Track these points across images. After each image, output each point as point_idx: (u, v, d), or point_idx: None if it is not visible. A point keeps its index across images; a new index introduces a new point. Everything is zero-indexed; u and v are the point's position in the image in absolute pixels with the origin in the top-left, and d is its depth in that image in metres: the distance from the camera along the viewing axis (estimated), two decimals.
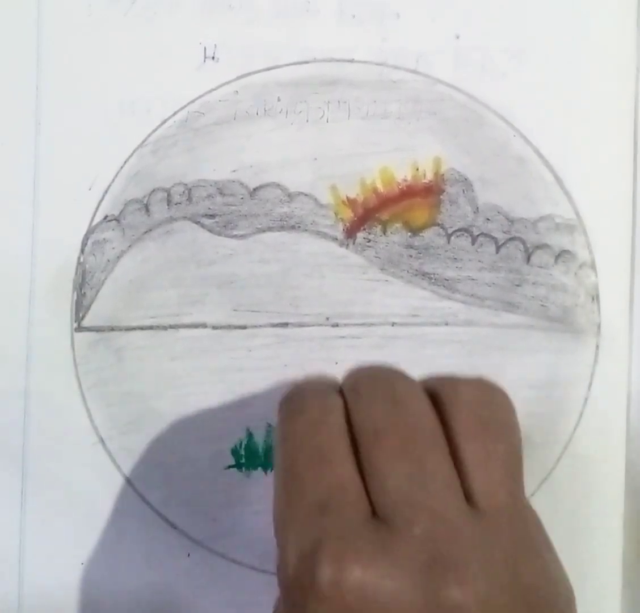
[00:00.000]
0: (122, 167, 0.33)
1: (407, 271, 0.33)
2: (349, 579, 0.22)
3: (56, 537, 0.33)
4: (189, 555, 0.33)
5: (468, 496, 0.23)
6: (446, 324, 0.33)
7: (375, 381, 0.26)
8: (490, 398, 0.25)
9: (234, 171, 0.33)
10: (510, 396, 0.26)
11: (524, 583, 0.22)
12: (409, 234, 0.33)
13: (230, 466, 0.33)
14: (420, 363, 0.33)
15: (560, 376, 0.33)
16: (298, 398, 0.26)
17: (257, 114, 0.33)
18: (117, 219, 0.33)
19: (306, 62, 0.33)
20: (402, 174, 0.33)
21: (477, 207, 0.33)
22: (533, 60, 0.34)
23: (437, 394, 0.25)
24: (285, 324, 0.33)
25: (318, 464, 0.24)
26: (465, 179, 0.33)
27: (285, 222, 0.33)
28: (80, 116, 0.33)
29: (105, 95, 0.33)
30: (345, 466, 0.24)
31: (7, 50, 0.33)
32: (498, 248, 0.33)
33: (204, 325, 0.33)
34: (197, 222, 0.33)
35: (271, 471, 0.33)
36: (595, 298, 0.34)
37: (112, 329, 0.33)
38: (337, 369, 0.28)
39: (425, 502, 0.23)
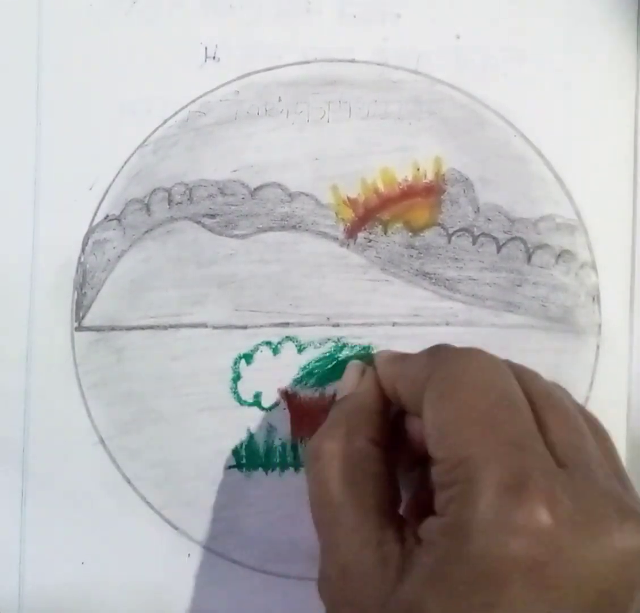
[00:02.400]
0: (122, 167, 0.33)
1: (408, 271, 0.33)
2: (556, 517, 0.22)
3: (56, 536, 0.33)
4: (189, 555, 0.33)
5: None
6: (447, 324, 0.33)
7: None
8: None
9: (235, 170, 0.33)
10: None
11: None
12: (410, 234, 0.33)
13: (230, 467, 0.33)
14: None
15: (560, 376, 0.33)
16: (465, 350, 0.27)
17: (258, 114, 0.33)
18: (117, 219, 0.33)
19: (307, 62, 0.33)
20: (403, 174, 0.33)
21: (478, 207, 0.33)
22: (533, 60, 0.34)
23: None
24: (285, 324, 0.33)
25: (510, 407, 0.24)
26: (466, 179, 0.34)
27: (286, 222, 0.33)
28: (81, 116, 0.33)
29: (106, 95, 0.33)
30: (530, 414, 0.24)
31: (8, 50, 0.33)
32: (499, 248, 0.33)
33: (204, 325, 0.33)
34: (198, 222, 0.33)
35: (271, 471, 0.33)
36: (595, 298, 0.34)
37: (112, 329, 0.33)
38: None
39: (597, 459, 0.24)
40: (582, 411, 0.27)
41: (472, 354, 0.26)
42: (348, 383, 0.30)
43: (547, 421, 0.25)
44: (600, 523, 0.22)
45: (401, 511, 0.28)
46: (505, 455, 0.23)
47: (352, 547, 0.25)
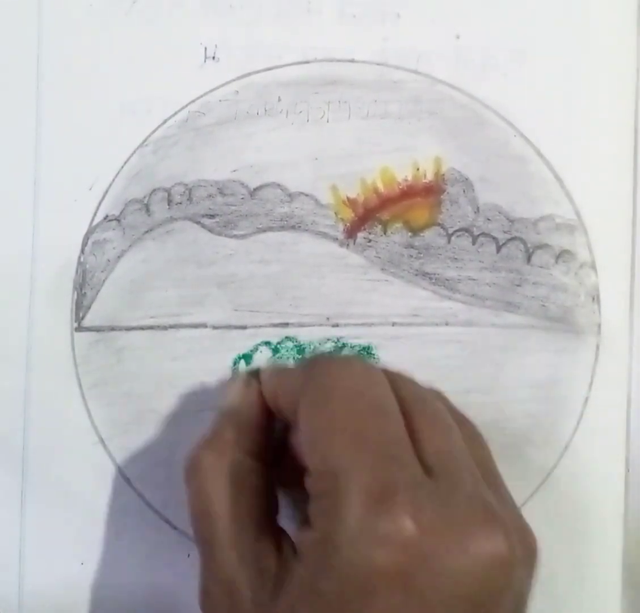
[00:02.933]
0: (122, 167, 0.33)
1: (408, 271, 0.33)
2: (421, 526, 0.22)
3: (56, 536, 0.33)
4: (189, 555, 0.33)
5: None
6: (447, 324, 0.33)
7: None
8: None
9: (235, 170, 0.33)
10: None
11: None
12: (410, 234, 0.33)
13: None
14: (420, 363, 0.33)
15: (560, 376, 0.33)
16: (341, 358, 0.27)
17: (257, 114, 0.33)
18: (117, 219, 0.33)
19: (307, 62, 0.33)
20: (403, 174, 0.33)
21: (478, 207, 0.33)
22: (533, 60, 0.34)
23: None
24: (285, 325, 0.33)
25: (379, 415, 0.24)
26: (466, 179, 0.33)
27: (285, 222, 0.33)
28: (81, 116, 0.33)
29: (105, 95, 0.33)
30: (400, 422, 0.24)
31: (8, 49, 0.33)
32: (499, 248, 0.33)
33: (204, 325, 0.33)
34: (198, 222, 0.33)
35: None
36: (595, 298, 0.34)
37: (112, 329, 0.33)
38: None
39: (467, 464, 0.24)
40: (458, 417, 0.28)
41: (345, 363, 0.27)
42: (231, 395, 0.30)
43: (418, 428, 0.25)
44: (464, 530, 0.22)
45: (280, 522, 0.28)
46: (371, 465, 0.23)
47: (230, 561, 0.25)
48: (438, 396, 0.28)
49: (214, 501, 0.26)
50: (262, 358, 0.33)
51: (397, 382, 0.27)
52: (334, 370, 0.26)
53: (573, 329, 0.34)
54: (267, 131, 0.33)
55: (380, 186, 0.33)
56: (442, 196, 0.34)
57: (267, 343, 0.33)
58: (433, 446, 0.24)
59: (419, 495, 0.23)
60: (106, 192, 0.33)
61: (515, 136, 0.34)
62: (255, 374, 0.31)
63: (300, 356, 0.33)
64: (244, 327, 0.33)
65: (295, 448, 0.28)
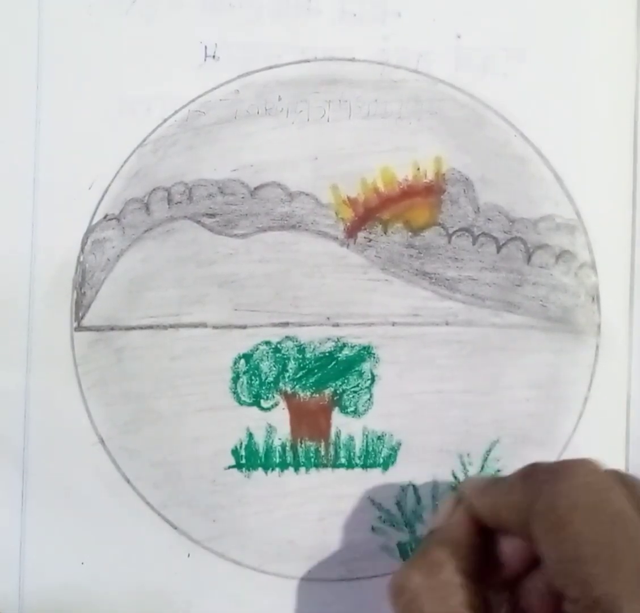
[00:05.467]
0: (122, 167, 0.33)
1: (408, 271, 0.33)
2: None
3: (56, 536, 0.33)
4: (189, 555, 0.33)
5: None
6: (447, 324, 0.33)
7: None
8: None
9: (235, 170, 0.33)
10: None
11: None
12: (410, 233, 0.33)
13: (230, 467, 0.33)
14: (420, 363, 0.33)
15: (560, 376, 0.34)
16: (565, 469, 0.26)
17: (257, 113, 0.33)
18: (117, 218, 0.33)
19: (307, 61, 0.33)
20: (403, 173, 0.33)
21: (478, 207, 0.33)
22: (533, 60, 0.34)
23: None
24: (285, 324, 0.33)
25: (627, 532, 0.24)
26: (466, 179, 0.33)
27: (285, 222, 0.33)
28: (80, 115, 0.33)
29: (105, 94, 0.33)
30: None
31: (8, 49, 0.33)
32: (499, 248, 0.33)
33: (204, 325, 0.33)
34: (198, 222, 0.33)
35: (271, 471, 0.33)
36: (595, 298, 0.34)
37: (112, 328, 0.33)
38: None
39: None
40: None
41: (573, 473, 0.25)
42: (441, 515, 0.29)
43: None
44: None
45: None
46: (636, 591, 0.22)
47: None
48: None
49: None
50: (262, 358, 0.33)
51: (630, 486, 0.25)
52: (561, 485, 0.25)
53: (573, 329, 0.34)
54: (267, 131, 0.33)
55: (381, 186, 0.33)
56: (442, 196, 0.34)
57: (267, 343, 0.33)
58: None
59: None
60: (106, 191, 0.33)
61: (515, 136, 0.34)
62: (460, 491, 0.30)
63: (300, 356, 0.33)
64: (244, 327, 0.33)
65: (505, 554, 0.28)
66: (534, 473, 0.26)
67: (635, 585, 0.23)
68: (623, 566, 0.23)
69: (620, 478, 0.25)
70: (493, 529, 0.28)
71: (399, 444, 0.33)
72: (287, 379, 0.33)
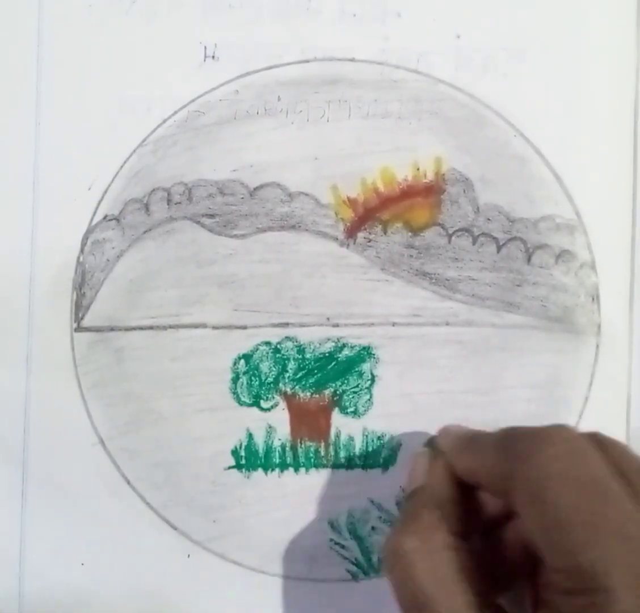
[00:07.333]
0: (121, 167, 0.33)
1: (408, 271, 0.33)
2: None
3: (56, 537, 0.33)
4: (189, 556, 0.33)
5: None
6: (447, 324, 0.33)
7: None
8: None
9: (234, 170, 0.33)
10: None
11: None
12: (410, 234, 0.33)
13: (230, 467, 0.33)
14: (420, 363, 0.33)
15: (560, 376, 0.33)
16: (544, 434, 0.25)
17: (257, 113, 0.33)
18: (116, 219, 0.33)
19: (307, 62, 0.33)
20: (403, 173, 0.33)
21: (478, 207, 0.33)
22: (533, 60, 0.34)
23: None
24: (285, 324, 0.33)
25: (609, 498, 0.24)
26: (466, 179, 0.33)
27: (285, 222, 0.33)
28: (80, 116, 0.33)
29: (105, 94, 0.33)
30: (628, 500, 0.24)
31: (8, 49, 0.33)
32: (499, 248, 0.33)
33: (204, 325, 0.33)
34: (197, 222, 0.33)
35: (270, 472, 0.33)
36: (595, 298, 0.34)
37: (111, 329, 0.33)
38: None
39: None
40: None
41: (551, 441, 0.25)
42: (418, 473, 0.29)
43: None
44: None
45: None
46: (624, 555, 0.22)
47: None
48: None
49: (423, 588, 0.25)
50: (262, 358, 0.33)
51: (610, 450, 0.25)
52: (542, 453, 0.25)
53: (573, 329, 0.34)
54: (267, 131, 0.33)
55: (381, 186, 0.33)
56: (442, 196, 0.34)
57: (267, 343, 0.33)
58: None
59: None
60: (105, 192, 0.33)
61: (515, 136, 0.34)
62: (433, 444, 0.30)
63: (300, 356, 0.33)
64: (244, 327, 0.33)
65: (486, 505, 0.28)
66: (512, 439, 0.26)
67: (617, 549, 0.22)
68: (604, 531, 0.23)
69: (597, 442, 0.25)
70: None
71: (399, 444, 0.33)
72: (287, 380, 0.33)
